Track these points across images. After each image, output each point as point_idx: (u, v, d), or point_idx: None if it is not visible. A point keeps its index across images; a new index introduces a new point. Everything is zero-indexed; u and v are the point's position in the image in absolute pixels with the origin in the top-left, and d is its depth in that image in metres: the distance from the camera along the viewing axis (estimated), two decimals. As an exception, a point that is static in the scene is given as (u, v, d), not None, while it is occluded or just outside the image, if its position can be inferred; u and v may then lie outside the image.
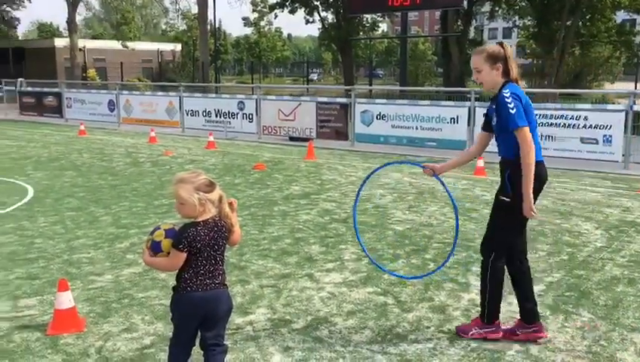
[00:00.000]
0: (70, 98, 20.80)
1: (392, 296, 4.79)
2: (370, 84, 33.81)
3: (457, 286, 5.03)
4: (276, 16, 75.69)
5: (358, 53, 51.99)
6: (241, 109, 16.41)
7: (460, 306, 4.57)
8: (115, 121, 19.13)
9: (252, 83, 42.49)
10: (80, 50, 38.44)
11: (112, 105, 19.46)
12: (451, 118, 13.03)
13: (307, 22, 38.75)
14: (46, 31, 71.90)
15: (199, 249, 2.91)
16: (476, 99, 12.80)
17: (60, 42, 45.51)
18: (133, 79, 41.18)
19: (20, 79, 22.96)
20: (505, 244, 3.83)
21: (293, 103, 15.56)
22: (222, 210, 2.98)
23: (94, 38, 61.70)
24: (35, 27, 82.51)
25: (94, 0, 73.63)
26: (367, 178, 4.54)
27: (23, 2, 45.71)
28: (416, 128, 13.51)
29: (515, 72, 3.73)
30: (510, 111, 3.58)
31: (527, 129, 3.57)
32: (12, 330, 4.09)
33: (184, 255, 2.91)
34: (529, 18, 32.18)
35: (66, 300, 4.06)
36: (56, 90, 21.89)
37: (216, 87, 27.45)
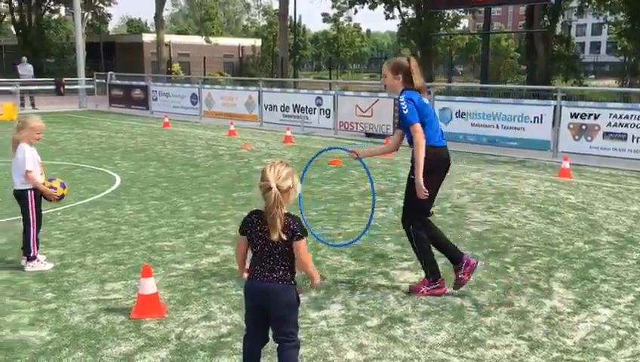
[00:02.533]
0: (156, 91, 21.63)
1: (469, 298, 4.67)
2: (450, 81, 33.14)
3: (539, 291, 4.84)
4: (356, 12, 75.55)
5: (438, 49, 51.00)
6: (319, 105, 16.50)
7: (541, 313, 4.40)
8: (196, 114, 19.74)
9: (330, 79, 42.67)
10: (166, 45, 39.88)
11: (194, 99, 20.08)
12: (535, 117, 12.55)
13: (387, 17, 38.46)
14: (135, 26, 75.06)
15: (251, 237, 2.94)
16: (563, 98, 12.27)
17: (147, 37, 47.45)
18: (214, 74, 42.35)
19: (110, 73, 24.08)
20: (418, 215, 4.65)
21: (370, 99, 15.49)
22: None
23: (179, 33, 63.85)
24: (124, 23, 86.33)
25: (180, -3, 76.13)
26: (306, 168, 5.30)
27: (115, -1, 47.94)
28: (497, 127, 13.11)
29: (417, 82, 4.55)
30: (404, 112, 4.46)
31: (417, 125, 4.42)
32: (99, 312, 4.29)
33: (243, 239, 2.98)
34: (621, 14, 30.52)
35: (149, 286, 4.22)
36: (142, 83, 22.82)
37: (294, 83, 27.78)
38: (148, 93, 21.77)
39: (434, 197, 4.66)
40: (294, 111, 17.06)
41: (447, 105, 13.97)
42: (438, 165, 4.56)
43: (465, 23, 59.05)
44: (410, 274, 5.21)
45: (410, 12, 37.90)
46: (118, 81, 23.69)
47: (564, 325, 4.18)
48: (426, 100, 4.60)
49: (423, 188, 4.44)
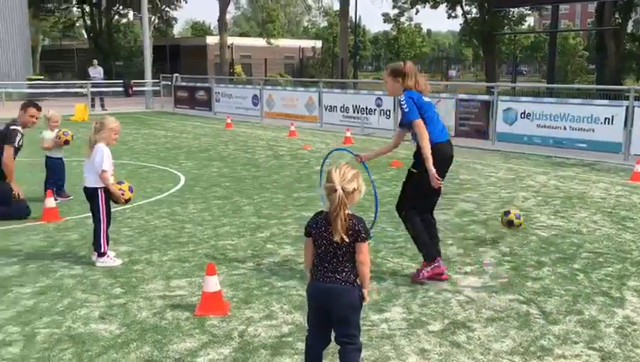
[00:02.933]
0: (219, 92, 22.07)
1: (535, 305, 4.52)
2: (514, 81, 32.29)
3: (610, 300, 4.63)
4: (417, 12, 74.77)
5: (501, 48, 49.85)
6: (379, 106, 16.42)
7: (613, 323, 4.21)
8: (258, 115, 20.02)
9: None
10: (228, 47, 40.67)
11: (255, 100, 20.38)
12: (605, 118, 12.06)
13: (449, 16, 37.88)
14: (199, 29, 76.94)
15: (316, 238, 2.95)
16: (636, 98, 11.74)
17: (211, 40, 48.54)
18: (275, 75, 42.86)
19: (175, 75, 24.73)
20: (411, 206, 4.98)
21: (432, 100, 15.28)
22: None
23: (241, 35, 65.02)
24: (189, 26, 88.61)
25: (243, -1, 77.48)
26: (321, 172, 5.53)
27: (180, 3, 49.27)
28: (565, 128, 12.67)
29: (410, 82, 4.92)
30: (405, 110, 4.87)
31: (418, 121, 4.79)
32: (164, 308, 4.40)
33: (309, 240, 2.99)
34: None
35: (213, 284, 4.30)
36: (206, 85, 23.33)
37: (354, 83, 27.76)
38: (211, 94, 22.25)
39: (437, 192, 4.96)
40: (354, 112, 17.04)
41: (512, 105, 13.61)
42: (438, 161, 4.82)
43: (530, 21, 57.37)
44: (474, 278, 5.10)
45: (474, 11, 37.18)
46: (183, 83, 24.31)
47: (637, 336, 4.00)
48: (426, 98, 4.97)
49: (437, 176, 4.77)
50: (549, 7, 23.98)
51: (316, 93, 18.32)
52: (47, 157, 7.97)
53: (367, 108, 16.69)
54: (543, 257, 5.67)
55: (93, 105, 23.39)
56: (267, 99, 19.91)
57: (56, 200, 7.27)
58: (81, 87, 25.29)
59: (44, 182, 7.87)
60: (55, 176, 7.91)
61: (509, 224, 6.22)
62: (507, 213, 6.22)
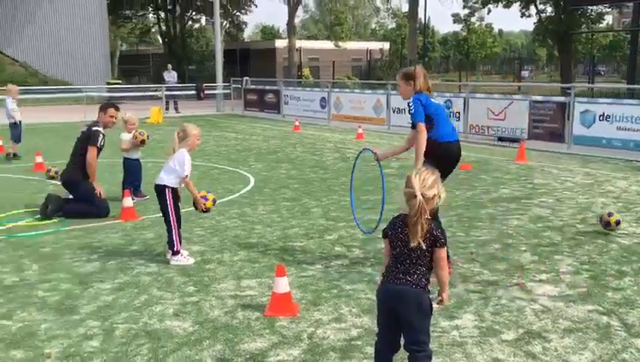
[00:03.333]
0: (287, 95, 22.34)
1: (617, 317, 4.31)
2: (591, 82, 30.97)
3: (700, 315, 4.35)
4: (489, 12, 73.13)
5: (578, 48, 47.96)
6: (448, 108, 16.14)
7: (703, 339, 3.95)
8: (325, 118, 20.12)
9: (459, 80, 41.64)
10: (297, 50, 41.13)
11: (323, 103, 20.49)
12: (693, 121, 11.36)
13: (522, 15, 36.82)
14: (268, 33, 78.22)
15: (392, 239, 2.95)
16: None
17: (279, 43, 49.21)
18: (343, 77, 42.98)
19: (245, 78, 25.21)
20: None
21: (503, 102, 14.88)
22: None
23: (309, 38, 65.59)
24: (258, 30, 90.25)
25: (311, 2, 78.18)
26: (352, 174, 6.13)
27: (250, 8, 50.28)
28: (648, 131, 12.04)
29: (421, 85, 5.35)
30: (411, 112, 5.28)
31: (420, 124, 5.20)
32: (235, 308, 4.49)
33: (386, 242, 3.00)
34: None
35: (283, 285, 4.34)
36: (275, 87, 23.68)
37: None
38: (280, 97, 22.55)
39: None
40: (423, 114, 16.81)
41: (590, 107, 13.06)
42: (442, 158, 5.22)
43: (609, 19, 54.96)
44: (550, 286, 4.92)
45: (549, 9, 35.98)
46: (253, 86, 24.77)
47: None
48: (434, 100, 5.39)
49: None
50: (630, 4, 22.88)
51: (384, 96, 18.22)
52: (124, 158, 8.29)
53: (436, 111, 16.41)
54: (625, 266, 5.40)
55: (167, 108, 24.21)
56: (335, 101, 19.97)
57: (133, 199, 7.56)
58: (156, 90, 26.17)
59: (122, 183, 8.19)
60: (132, 176, 8.23)
61: (607, 225, 6.43)
62: (610, 213, 6.48)
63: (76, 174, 7.27)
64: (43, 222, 6.94)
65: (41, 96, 25.05)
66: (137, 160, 8.33)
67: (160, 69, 34.28)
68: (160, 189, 5.54)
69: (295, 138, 15.86)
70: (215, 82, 26.69)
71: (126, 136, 8.22)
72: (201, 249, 5.98)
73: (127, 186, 7.94)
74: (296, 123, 18.14)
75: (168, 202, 5.50)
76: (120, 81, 32.64)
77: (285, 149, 13.60)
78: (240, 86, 24.89)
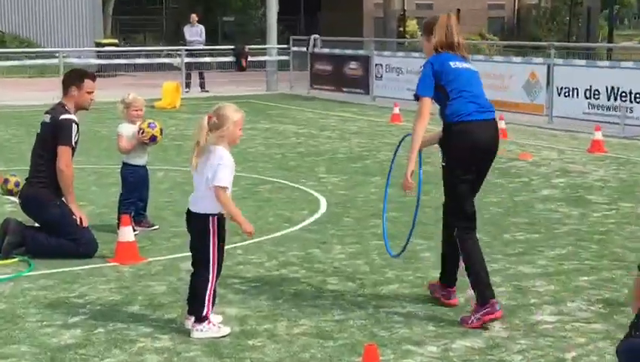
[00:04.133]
0: (380, 65, 22.44)
1: None
2: None
3: None
4: None
5: None
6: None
7: None
8: (443, 102, 20.02)
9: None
10: (397, -8, 41.22)
11: (440, 77, 20.42)
12: None
13: None
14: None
15: None
16: None
17: (369, -18, 49.40)
18: (473, 36, 42.57)
19: (312, 36, 25.37)
20: (456, 210, 6.02)
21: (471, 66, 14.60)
22: None
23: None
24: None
25: None
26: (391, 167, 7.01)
27: None
28: None
29: (440, 40, 6.01)
30: (419, 78, 6.00)
31: (424, 98, 5.91)
32: None
33: None
34: None
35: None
36: (361, 52, 23.80)
37: (608, 50, 26.81)
38: (369, 67, 22.66)
39: (468, 195, 6.02)
40: (608, 98, 16.41)
41: None
42: (455, 147, 5.91)
43: None
44: None
45: None
46: (325, 50, 24.95)
47: None
48: (461, 64, 6.01)
49: (409, 175, 6.03)
50: None
51: (543, 67, 17.95)
52: (123, 163, 8.44)
53: (632, 93, 15.96)
54: None
55: (188, 85, 24.70)
56: (460, 75, 19.84)
57: (135, 231, 7.72)
58: (171, 55, 26.79)
59: (118, 203, 8.39)
60: (135, 193, 8.42)
61: None
62: None
63: (43, 189, 7.48)
64: (-4, 263, 7.19)
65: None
66: (144, 167, 8.52)
67: (178, 23, 35.11)
68: (200, 219, 5.58)
69: (394, 134, 15.82)
70: (265, 43, 27.02)
71: (127, 129, 8.30)
72: (240, 313, 6.04)
73: (127, 209, 8.14)
74: (396, 110, 18.17)
75: (211, 239, 5.56)
76: (116, 42, 33.57)
77: (377, 153, 13.65)
78: (305, 50, 25.11)
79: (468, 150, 5.87)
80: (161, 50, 29.73)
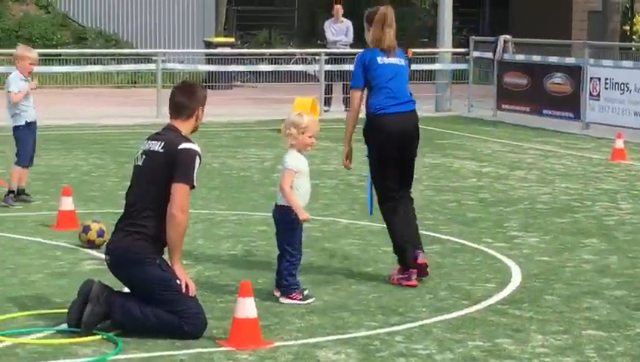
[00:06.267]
0: (597, 79, 22.18)
1: None
2: None
3: None
4: None
5: None
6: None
7: None
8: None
9: None
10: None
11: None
12: None
13: None
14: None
15: None
16: None
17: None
18: None
19: (501, 37, 25.15)
20: (378, 189, 9.32)
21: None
22: None
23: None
24: None
25: None
26: None
27: None
28: None
29: (370, 35, 9.22)
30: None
31: (354, 91, 9.23)
32: None
33: None
34: None
35: None
36: (569, 60, 23.50)
37: None
38: (580, 82, 22.39)
39: (387, 175, 9.22)
40: None
41: None
42: (374, 137, 9.09)
43: None
44: None
45: None
46: (519, 57, 24.78)
47: None
48: (388, 59, 9.06)
49: (345, 158, 9.49)
50: None
51: None
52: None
53: None
54: None
55: (328, 102, 24.91)
56: None
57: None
58: (306, 60, 27.07)
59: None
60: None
61: None
62: None
63: (140, 241, 7.60)
64: (74, 340, 7.32)
65: (73, 69, 27.00)
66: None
67: (316, 17, 35.47)
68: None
69: (616, 177, 15.61)
70: (435, 46, 27.05)
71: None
72: None
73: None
74: (619, 142, 17.90)
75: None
76: (232, 41, 34.09)
77: (593, 204, 13.57)
78: (491, 56, 25.00)
79: (383, 139, 9.05)
80: (293, 54, 30.04)
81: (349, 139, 9.35)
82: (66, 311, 7.57)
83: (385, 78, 9.04)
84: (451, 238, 11.22)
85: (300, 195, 8.31)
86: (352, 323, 7.80)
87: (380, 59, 9.01)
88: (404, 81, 9.41)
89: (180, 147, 7.58)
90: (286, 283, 8.32)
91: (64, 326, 7.55)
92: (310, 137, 8.32)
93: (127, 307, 7.53)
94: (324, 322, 7.64)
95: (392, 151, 9.08)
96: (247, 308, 7.40)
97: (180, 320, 7.44)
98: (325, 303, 8.30)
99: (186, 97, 7.92)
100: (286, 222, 8.33)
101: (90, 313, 7.36)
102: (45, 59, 23.36)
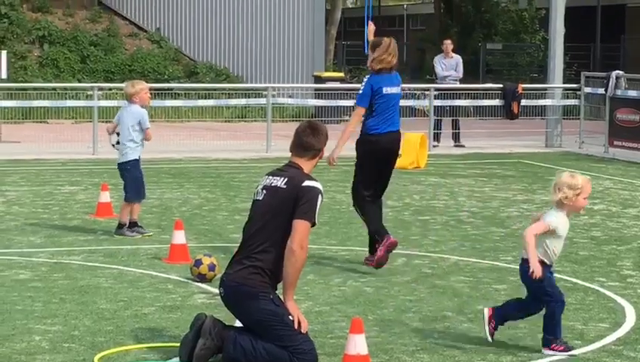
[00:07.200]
0: None
1: None
2: None
3: None
4: None
5: None
6: None
7: None
8: None
9: None
10: None
11: None
12: None
13: None
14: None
15: None
16: None
17: None
18: None
19: (614, 73, 24.76)
20: (356, 188, 11.70)
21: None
22: None
23: None
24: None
25: None
26: None
27: None
28: None
29: (369, 62, 11.59)
30: (360, 92, 11.68)
31: (358, 108, 11.51)
32: None
33: None
34: None
35: None
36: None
37: None
38: None
39: (366, 181, 11.39)
40: None
41: None
42: (365, 150, 11.24)
43: None
44: None
45: None
46: (632, 93, 24.45)
47: None
48: (391, 89, 11.17)
49: (334, 156, 11.19)
50: None
51: None
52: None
53: None
54: None
55: (437, 137, 24.93)
56: None
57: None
58: (415, 95, 27.06)
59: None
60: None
61: None
62: None
63: (255, 276, 7.62)
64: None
65: (185, 103, 27.49)
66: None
67: (423, 50, 35.40)
68: None
69: None
70: (545, 81, 26.80)
71: None
72: None
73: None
74: None
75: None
76: (341, 75, 34.22)
77: None
78: (603, 91, 24.69)
79: (372, 152, 11.17)
80: (402, 89, 29.99)
81: (342, 145, 11.30)
82: (179, 344, 7.69)
83: (386, 106, 11.11)
84: (563, 277, 11.10)
85: (547, 254, 7.99)
86: (463, 361, 7.79)
87: (385, 90, 11.08)
88: (398, 107, 11.74)
89: (303, 184, 7.71)
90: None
91: (176, 360, 7.65)
92: (585, 199, 7.98)
93: (240, 341, 7.60)
94: (434, 360, 7.61)
95: (377, 161, 11.21)
96: (359, 344, 7.42)
97: (292, 355, 7.46)
98: (436, 341, 8.26)
99: (314, 138, 8.01)
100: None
101: (203, 347, 7.47)
102: (157, 93, 23.73)
